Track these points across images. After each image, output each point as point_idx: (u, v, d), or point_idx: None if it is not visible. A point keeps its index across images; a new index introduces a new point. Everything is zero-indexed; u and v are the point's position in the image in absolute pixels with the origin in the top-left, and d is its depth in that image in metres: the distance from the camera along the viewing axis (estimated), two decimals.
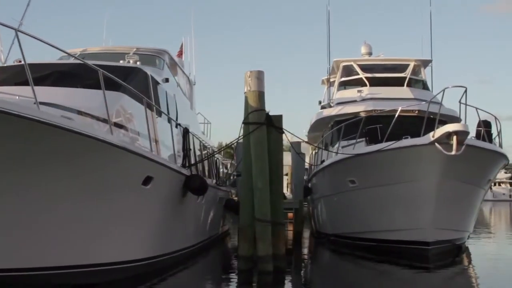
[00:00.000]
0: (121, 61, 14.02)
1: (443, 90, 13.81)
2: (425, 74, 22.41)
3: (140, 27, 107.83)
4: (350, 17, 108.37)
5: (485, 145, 14.26)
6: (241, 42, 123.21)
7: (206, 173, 17.69)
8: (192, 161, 15.68)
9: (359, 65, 21.98)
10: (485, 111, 15.38)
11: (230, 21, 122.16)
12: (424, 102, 15.47)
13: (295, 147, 19.54)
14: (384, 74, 21.61)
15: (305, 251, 18.29)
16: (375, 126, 15.56)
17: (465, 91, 13.25)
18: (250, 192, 11.97)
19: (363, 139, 15.97)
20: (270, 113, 12.38)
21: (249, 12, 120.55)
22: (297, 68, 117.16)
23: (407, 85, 21.15)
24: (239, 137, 12.71)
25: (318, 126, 21.47)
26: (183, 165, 12.78)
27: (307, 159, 22.94)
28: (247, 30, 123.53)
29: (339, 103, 20.76)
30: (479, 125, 15.43)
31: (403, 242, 15.14)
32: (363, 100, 20.14)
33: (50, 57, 14.72)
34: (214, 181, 18.20)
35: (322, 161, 18.23)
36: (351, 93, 21.00)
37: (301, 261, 15.86)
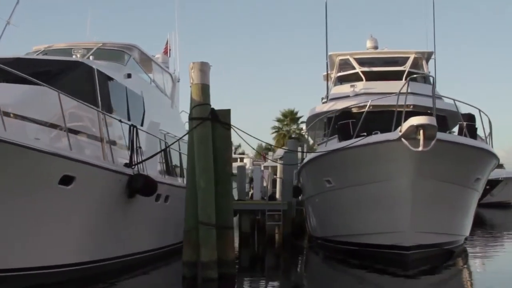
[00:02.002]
0: (73, 56, 13.42)
1: (407, 81, 12.73)
2: (427, 67, 21.11)
3: (131, 24, 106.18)
4: (352, 10, 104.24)
5: (464, 140, 13.04)
6: (239, 40, 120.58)
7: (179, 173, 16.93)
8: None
9: (356, 59, 20.84)
10: (466, 103, 14.14)
11: (227, 17, 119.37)
12: (391, 95, 14.26)
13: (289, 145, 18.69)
14: (382, 68, 20.43)
15: (283, 256, 17.39)
16: (347, 121, 14.47)
17: (433, 81, 12.15)
18: (195, 193, 11.12)
19: (336, 135, 14.92)
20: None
21: (246, 9, 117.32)
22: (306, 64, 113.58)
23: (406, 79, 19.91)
24: (185, 133, 11.88)
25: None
26: (128, 164, 11.98)
27: None
28: (246, 27, 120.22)
29: (332, 99, 19.73)
30: (464, 120, 14.24)
31: (383, 246, 14.07)
32: (357, 95, 19.02)
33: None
34: None
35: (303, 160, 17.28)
36: (346, 88, 19.90)
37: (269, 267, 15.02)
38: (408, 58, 20.47)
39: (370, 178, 13.32)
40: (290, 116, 62.41)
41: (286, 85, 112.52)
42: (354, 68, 20.68)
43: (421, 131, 11.49)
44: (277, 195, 23.26)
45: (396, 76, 20.09)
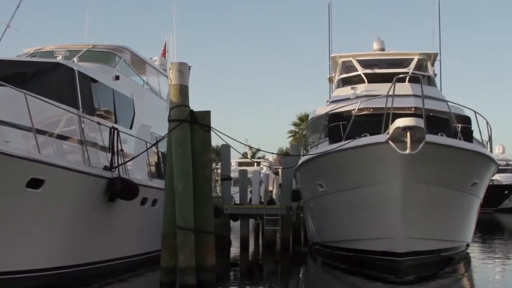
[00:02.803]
0: (58, 58, 13.27)
1: (393, 83, 12.34)
2: (432, 69, 20.58)
3: (132, 27, 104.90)
4: (357, 13, 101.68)
5: (456, 143, 12.56)
6: (243, 43, 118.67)
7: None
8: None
9: (359, 61, 20.37)
10: (460, 105, 13.65)
11: (229, 20, 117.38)
12: (379, 97, 13.85)
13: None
14: (385, 70, 19.92)
15: (280, 262, 17.05)
16: (337, 123, 14.07)
17: (420, 80, 11.75)
18: (173, 197, 10.84)
19: (327, 138, 14.54)
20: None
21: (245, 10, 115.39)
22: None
23: (410, 81, 19.43)
24: (163, 136, 11.62)
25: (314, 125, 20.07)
26: (107, 167, 11.73)
27: None
28: (249, 30, 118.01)
29: (333, 101, 19.33)
30: (458, 122, 13.77)
31: (376, 252, 13.65)
32: (358, 97, 18.58)
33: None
34: None
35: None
36: (347, 90, 19.47)
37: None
38: (412, 59, 19.99)
39: (360, 182, 12.92)
40: (307, 120, 61.88)
41: (302, 88, 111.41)
42: (357, 70, 20.27)
43: (408, 134, 11.06)
44: None
45: (400, 78, 19.62)
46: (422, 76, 19.95)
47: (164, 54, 19.68)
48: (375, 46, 22.57)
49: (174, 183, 10.76)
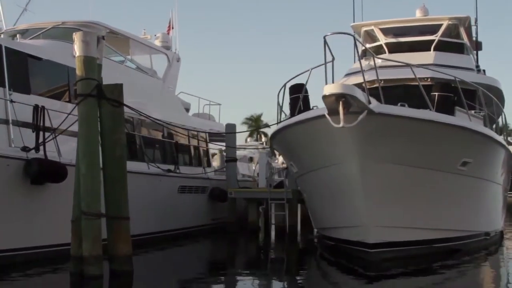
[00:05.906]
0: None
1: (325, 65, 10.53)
2: (466, 35, 18.16)
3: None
4: None
5: (416, 113, 10.55)
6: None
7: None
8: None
9: (382, 29, 18.39)
10: (439, 71, 11.60)
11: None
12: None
13: None
14: (408, 38, 17.90)
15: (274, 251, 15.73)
16: (297, 95, 12.46)
17: (354, 39, 10.00)
18: None
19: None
20: None
21: None
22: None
23: (437, 49, 17.27)
24: (69, 112, 10.73)
25: None
26: (26, 148, 10.97)
27: None
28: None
29: (347, 74, 17.57)
30: (436, 89, 11.74)
31: (351, 242, 12.05)
32: (372, 69, 16.70)
33: None
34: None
35: None
36: (363, 62, 17.59)
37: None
38: (441, 25, 17.75)
39: (321, 162, 11.36)
40: None
41: None
42: (377, 40, 18.36)
43: (340, 103, 9.33)
44: None
45: (426, 46, 17.52)
46: (454, 43, 17.76)
47: (169, 30, 18.76)
48: (418, 14, 20.33)
49: (79, 164, 9.82)
